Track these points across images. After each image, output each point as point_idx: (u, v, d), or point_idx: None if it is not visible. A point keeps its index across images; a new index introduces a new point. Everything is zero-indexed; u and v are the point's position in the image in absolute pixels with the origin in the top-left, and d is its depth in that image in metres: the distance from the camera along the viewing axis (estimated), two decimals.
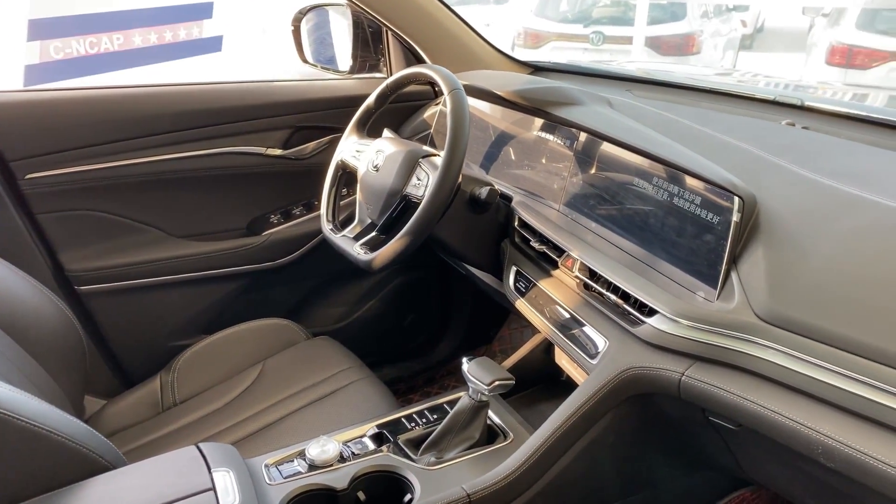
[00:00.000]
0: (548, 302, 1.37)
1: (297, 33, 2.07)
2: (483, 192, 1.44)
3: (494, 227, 1.54)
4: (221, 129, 1.75)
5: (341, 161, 1.65)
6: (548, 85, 1.57)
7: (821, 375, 0.94)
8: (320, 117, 1.85)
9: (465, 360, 1.27)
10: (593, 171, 1.39)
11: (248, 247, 1.86)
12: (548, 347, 1.47)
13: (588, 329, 1.25)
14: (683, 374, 1.07)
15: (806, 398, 0.96)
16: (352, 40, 1.98)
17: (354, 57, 1.97)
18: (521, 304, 1.43)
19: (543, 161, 1.54)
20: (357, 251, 1.48)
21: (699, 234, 1.15)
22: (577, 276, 1.30)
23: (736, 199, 1.09)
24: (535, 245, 1.41)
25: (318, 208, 1.90)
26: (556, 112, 1.46)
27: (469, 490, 1.09)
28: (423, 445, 1.24)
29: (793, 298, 1.01)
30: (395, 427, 1.30)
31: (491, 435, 1.27)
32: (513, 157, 1.64)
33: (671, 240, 1.20)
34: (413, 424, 1.31)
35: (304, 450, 1.19)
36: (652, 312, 1.13)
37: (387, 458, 1.19)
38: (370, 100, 1.63)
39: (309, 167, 1.88)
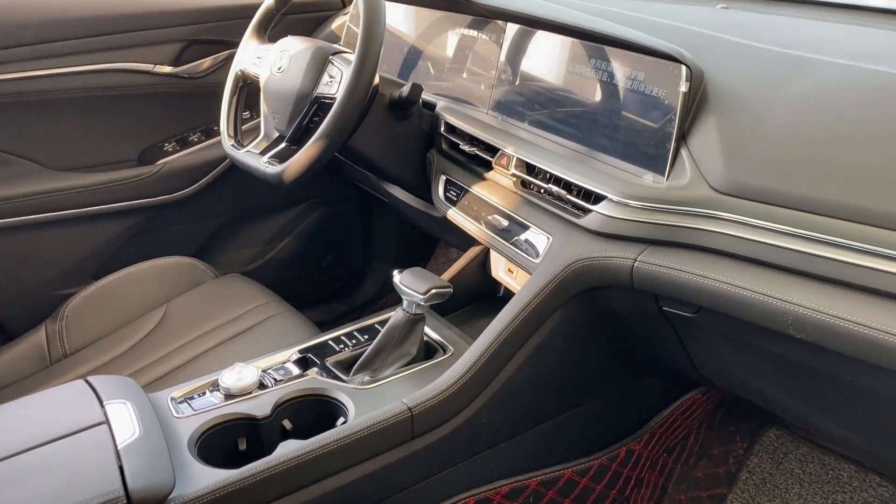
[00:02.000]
0: (483, 208, 1.25)
1: None
2: (404, 90, 1.30)
3: (418, 135, 1.41)
4: (99, 42, 1.53)
5: (241, 71, 1.47)
6: None
7: (785, 242, 0.87)
8: (216, 29, 1.65)
9: (396, 272, 1.15)
10: (524, 66, 1.27)
11: (140, 178, 1.64)
12: (483, 261, 1.36)
13: (530, 229, 1.15)
14: (636, 260, 0.98)
15: (770, 270, 0.88)
16: None
17: None
18: (454, 214, 1.32)
19: (468, 64, 1.42)
20: (264, 164, 1.31)
21: (643, 113, 1.06)
22: (513, 175, 1.19)
23: (683, 68, 1.00)
24: (465, 148, 1.29)
25: (219, 133, 1.71)
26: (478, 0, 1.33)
27: (410, 404, 0.98)
28: (355, 366, 1.11)
29: (750, 166, 0.93)
30: (322, 350, 1.16)
31: (429, 351, 1.16)
32: (433, 64, 1.50)
33: (613, 125, 1.11)
34: (341, 346, 1.17)
35: (216, 380, 1.04)
36: (598, 199, 1.04)
37: (314, 381, 1.06)
38: (269, 0, 1.45)
39: (205, 87, 1.68)
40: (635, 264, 0.98)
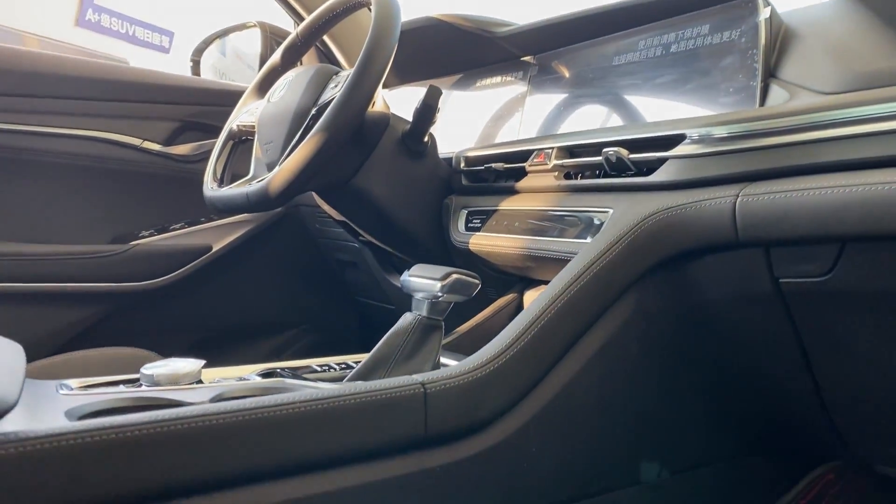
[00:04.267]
0: (515, 219, 1.00)
1: (196, 69, 1.83)
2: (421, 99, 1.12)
3: (435, 180, 1.20)
4: (86, 106, 1.39)
5: (235, 127, 1.31)
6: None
7: None
8: (214, 114, 1.52)
9: (405, 272, 0.87)
10: (559, 88, 1.12)
11: (101, 255, 1.39)
12: (516, 310, 1.06)
13: (581, 215, 0.89)
14: (738, 196, 0.72)
15: None
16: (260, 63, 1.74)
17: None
18: (479, 239, 1.05)
19: (490, 115, 1.27)
20: (247, 187, 1.09)
21: (716, 63, 0.87)
22: (554, 167, 0.96)
23: None
24: (493, 165, 1.07)
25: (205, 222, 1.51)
26: (504, 31, 1.21)
27: (423, 379, 0.64)
28: (346, 379, 0.78)
29: (863, 56, 0.72)
30: (296, 371, 0.83)
31: None
32: (458, 127, 1.35)
33: (680, 93, 0.91)
34: (325, 368, 0.84)
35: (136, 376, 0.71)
36: (674, 144, 0.80)
37: (281, 382, 0.72)
38: (276, 56, 1.34)
39: (195, 173, 1.50)
40: (738, 199, 0.71)
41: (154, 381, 0.67)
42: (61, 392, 0.64)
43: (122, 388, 0.68)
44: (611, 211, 0.83)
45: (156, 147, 1.47)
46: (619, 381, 0.76)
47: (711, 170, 0.76)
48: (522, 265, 0.99)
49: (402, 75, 1.51)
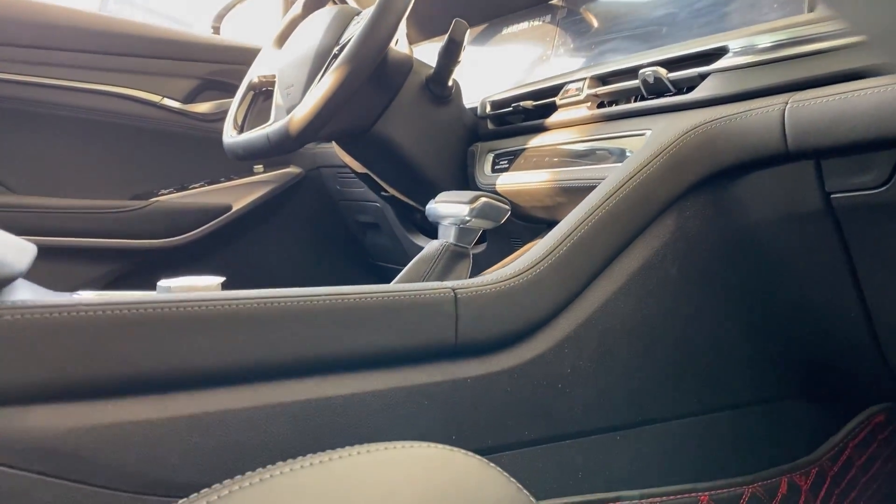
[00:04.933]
0: (545, 154, 0.96)
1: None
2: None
3: (459, 127, 1.16)
4: (106, 60, 1.37)
5: (256, 79, 1.28)
6: None
7: None
8: (235, 72, 1.50)
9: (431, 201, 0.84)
10: (590, 28, 1.08)
11: (122, 210, 1.37)
12: None
13: (618, 140, 0.85)
14: (787, 103, 0.67)
15: None
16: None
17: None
18: (506, 179, 1.01)
19: (516, 62, 1.23)
20: (267, 129, 1.06)
21: None
22: (587, 96, 0.92)
23: None
24: (523, 103, 1.03)
25: (224, 181, 1.49)
26: None
27: (453, 285, 0.60)
28: None
29: None
30: None
31: None
32: (476, 75, 1.32)
33: (720, 16, 0.87)
34: None
35: None
36: (715, 58, 0.76)
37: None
38: (297, 6, 1.31)
39: (215, 132, 1.48)
40: (788, 106, 0.67)
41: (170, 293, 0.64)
42: (75, 295, 0.61)
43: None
44: (649, 132, 0.78)
45: (175, 104, 1.46)
46: (657, 305, 0.72)
47: (757, 81, 0.71)
48: (553, 202, 0.95)
49: (426, 29, 1.48)
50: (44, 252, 1.33)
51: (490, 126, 1.12)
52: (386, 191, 1.30)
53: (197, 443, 0.48)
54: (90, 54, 1.36)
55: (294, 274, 1.59)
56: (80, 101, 1.36)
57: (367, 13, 1.07)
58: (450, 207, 0.78)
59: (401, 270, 1.48)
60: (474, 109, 1.18)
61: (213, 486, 0.42)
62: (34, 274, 1.37)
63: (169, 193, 1.44)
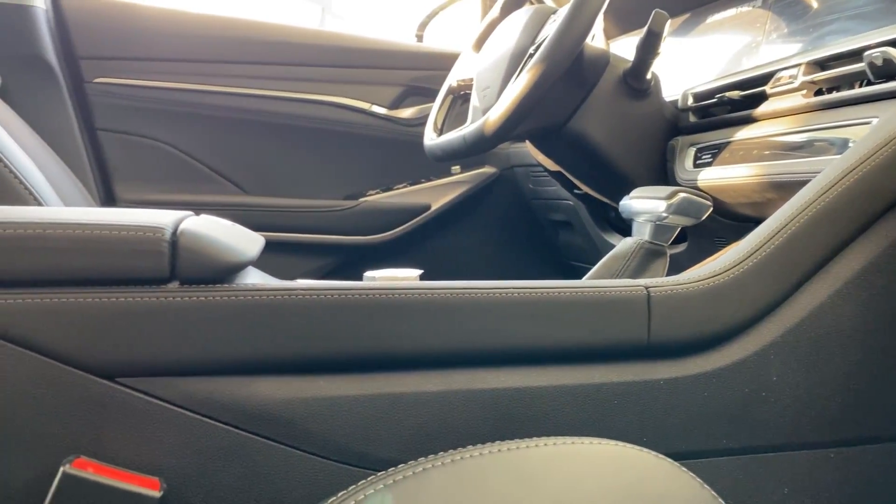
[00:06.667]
0: (752, 147, 0.90)
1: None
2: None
3: (658, 120, 1.12)
4: (324, 73, 1.51)
5: (455, 83, 1.33)
6: None
7: None
8: (437, 78, 1.57)
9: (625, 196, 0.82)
10: (809, 9, 0.99)
11: (336, 210, 1.49)
12: None
13: (832, 134, 0.77)
14: None
15: None
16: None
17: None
18: (708, 174, 0.96)
19: (721, 52, 1.16)
20: (463, 130, 1.10)
21: None
22: (802, 83, 0.84)
23: None
24: (728, 94, 0.98)
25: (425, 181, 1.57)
26: None
27: (646, 283, 0.58)
28: None
29: None
30: None
31: None
32: (677, 67, 1.26)
33: None
34: None
35: None
36: None
37: None
38: (494, 10, 1.35)
39: (418, 136, 1.57)
40: None
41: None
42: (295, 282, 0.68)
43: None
44: (875, 119, 0.70)
45: (382, 111, 1.56)
46: (882, 312, 0.64)
47: None
48: (761, 198, 0.88)
49: (625, 23, 1.44)
50: (270, 245, 1.50)
51: (692, 119, 1.07)
52: (579, 189, 1.29)
53: (397, 420, 0.51)
54: (310, 68, 1.51)
55: (488, 271, 1.63)
56: (300, 111, 1.50)
57: (563, 11, 1.07)
58: (645, 203, 0.76)
59: None
60: (674, 102, 1.14)
61: (409, 463, 0.44)
62: (261, 263, 1.54)
63: (376, 194, 1.55)
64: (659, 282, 0.59)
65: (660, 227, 0.75)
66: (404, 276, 0.72)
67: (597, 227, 1.36)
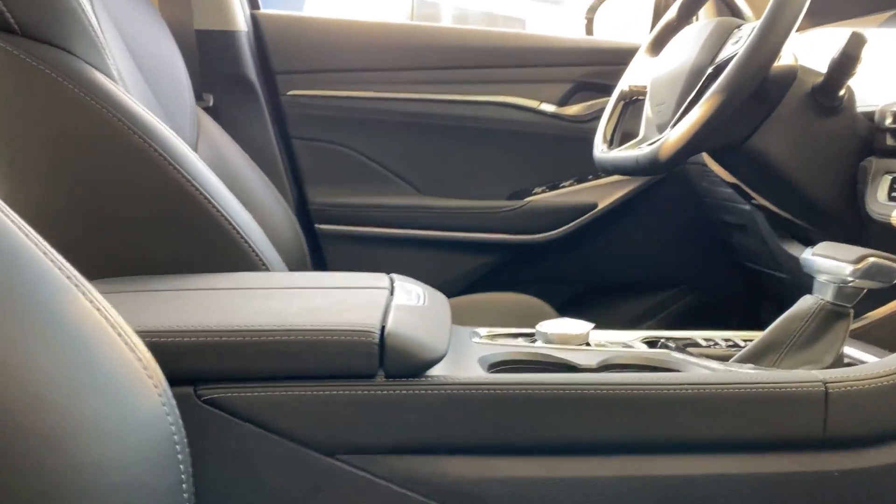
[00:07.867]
0: None
1: (589, 27, 1.88)
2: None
3: (850, 138, 1.05)
4: (494, 74, 1.55)
5: (627, 88, 1.32)
6: None
7: None
8: (606, 73, 1.55)
9: (807, 250, 0.80)
10: None
11: (501, 210, 1.55)
12: None
13: None
14: None
15: None
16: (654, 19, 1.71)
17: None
18: None
19: None
20: (636, 151, 1.09)
21: None
22: None
23: None
24: None
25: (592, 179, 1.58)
26: None
27: (824, 377, 0.59)
28: (732, 360, 0.76)
29: None
30: (680, 343, 0.83)
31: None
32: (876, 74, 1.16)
33: None
34: (711, 343, 0.82)
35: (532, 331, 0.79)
36: None
37: (667, 354, 0.73)
38: (671, 11, 1.30)
39: (587, 133, 1.56)
40: None
41: (548, 339, 0.74)
42: (473, 340, 0.74)
43: (520, 341, 0.77)
44: None
45: (550, 108, 1.57)
46: None
47: None
48: None
49: (816, 16, 1.34)
50: (441, 243, 1.59)
51: (890, 142, 0.99)
52: (756, 199, 1.25)
53: (576, 502, 0.57)
54: (483, 69, 1.55)
55: (655, 269, 1.62)
56: (471, 112, 1.56)
57: (749, 29, 1.03)
58: (829, 263, 0.73)
59: (770, 274, 1.42)
60: (870, 114, 1.06)
61: None
62: (436, 259, 1.65)
63: (542, 192, 1.58)
64: (837, 375, 0.59)
65: (843, 290, 0.73)
66: (576, 333, 0.76)
67: (775, 237, 1.30)
